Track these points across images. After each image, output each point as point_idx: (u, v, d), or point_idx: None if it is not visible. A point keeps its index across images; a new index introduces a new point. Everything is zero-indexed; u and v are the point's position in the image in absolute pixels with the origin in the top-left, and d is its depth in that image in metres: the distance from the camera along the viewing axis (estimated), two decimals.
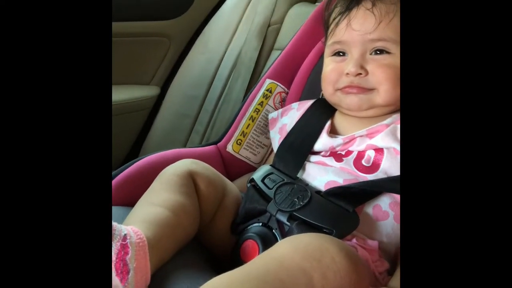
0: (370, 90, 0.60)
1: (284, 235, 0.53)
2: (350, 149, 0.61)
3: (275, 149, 0.69)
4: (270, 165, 0.64)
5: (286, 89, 0.83)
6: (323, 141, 0.63)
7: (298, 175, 0.61)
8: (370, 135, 0.60)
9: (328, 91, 0.65)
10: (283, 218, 0.54)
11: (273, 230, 0.54)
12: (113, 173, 0.67)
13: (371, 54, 0.60)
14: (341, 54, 0.64)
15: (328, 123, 0.66)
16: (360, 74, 0.59)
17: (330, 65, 0.65)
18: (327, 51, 0.66)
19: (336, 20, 0.63)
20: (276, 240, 0.53)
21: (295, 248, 0.43)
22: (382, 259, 0.52)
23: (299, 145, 0.65)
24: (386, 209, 0.54)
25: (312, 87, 0.79)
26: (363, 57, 0.60)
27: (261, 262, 0.43)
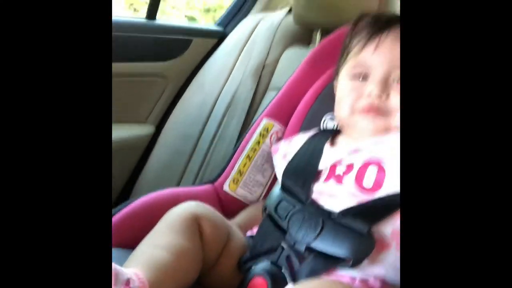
0: (387, 114, 0.60)
1: (293, 275, 0.53)
2: (351, 161, 0.59)
3: (279, 176, 0.68)
4: (280, 189, 0.63)
5: (282, 127, 0.84)
6: (326, 155, 0.62)
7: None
8: (375, 147, 0.59)
9: (344, 111, 0.64)
10: (301, 248, 0.53)
11: (282, 270, 0.54)
12: None
13: (393, 81, 0.61)
14: (361, 78, 0.63)
15: (330, 138, 0.66)
16: (381, 97, 0.60)
17: (348, 86, 0.65)
18: (345, 73, 0.66)
19: (362, 42, 0.64)
20: (285, 280, 0.53)
21: None
22: None
23: (304, 167, 0.64)
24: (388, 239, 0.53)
25: (309, 126, 0.80)
26: (386, 81, 0.61)
27: None
